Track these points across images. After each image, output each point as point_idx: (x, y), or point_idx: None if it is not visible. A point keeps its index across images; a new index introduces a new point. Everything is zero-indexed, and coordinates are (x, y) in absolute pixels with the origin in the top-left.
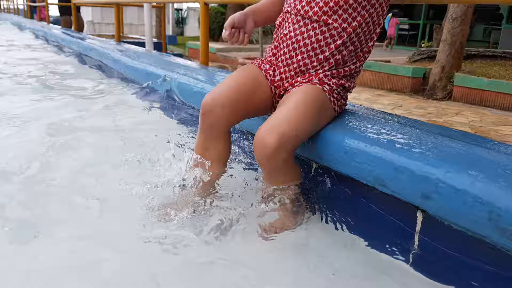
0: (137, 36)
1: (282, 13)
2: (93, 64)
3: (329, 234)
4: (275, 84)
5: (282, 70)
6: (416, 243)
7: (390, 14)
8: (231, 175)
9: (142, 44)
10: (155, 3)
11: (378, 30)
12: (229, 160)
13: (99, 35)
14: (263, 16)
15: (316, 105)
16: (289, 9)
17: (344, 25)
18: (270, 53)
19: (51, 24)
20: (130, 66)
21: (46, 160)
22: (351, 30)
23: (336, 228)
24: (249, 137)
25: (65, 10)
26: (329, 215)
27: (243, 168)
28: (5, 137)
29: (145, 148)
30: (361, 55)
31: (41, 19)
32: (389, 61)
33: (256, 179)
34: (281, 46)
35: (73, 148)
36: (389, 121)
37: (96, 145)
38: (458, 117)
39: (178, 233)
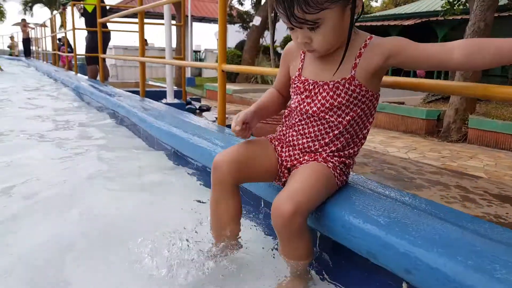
0: (160, 85)
1: (289, 107)
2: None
3: None
4: (283, 158)
5: (290, 148)
6: None
7: None
8: (245, 243)
9: (164, 93)
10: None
11: (371, 120)
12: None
13: (123, 84)
14: (265, 114)
15: (322, 179)
16: (293, 106)
17: (339, 119)
18: (280, 134)
19: (79, 75)
20: (155, 127)
21: None
22: (346, 123)
23: None
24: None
25: (91, 59)
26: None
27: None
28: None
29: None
30: (357, 141)
31: (66, 65)
32: (403, 103)
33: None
34: (289, 131)
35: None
36: (383, 196)
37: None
38: (473, 160)
39: None
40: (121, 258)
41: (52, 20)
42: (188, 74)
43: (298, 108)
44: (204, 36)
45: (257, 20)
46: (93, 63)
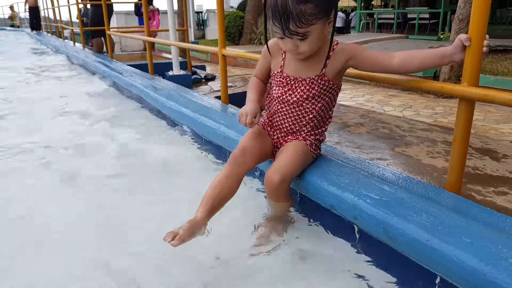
0: (167, 56)
1: (269, 96)
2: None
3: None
4: (274, 140)
5: (278, 131)
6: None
7: None
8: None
9: (170, 65)
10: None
11: (334, 103)
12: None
13: (130, 56)
14: (260, 99)
15: (302, 154)
16: (275, 96)
17: (313, 106)
18: (267, 119)
19: (86, 49)
20: (167, 106)
21: None
22: (318, 108)
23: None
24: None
25: (97, 32)
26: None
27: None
28: None
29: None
30: (326, 120)
31: None
32: None
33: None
34: (274, 117)
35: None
36: (345, 163)
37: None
38: None
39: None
40: None
41: None
42: (191, 37)
43: (280, 98)
44: None
45: None
46: (99, 36)
